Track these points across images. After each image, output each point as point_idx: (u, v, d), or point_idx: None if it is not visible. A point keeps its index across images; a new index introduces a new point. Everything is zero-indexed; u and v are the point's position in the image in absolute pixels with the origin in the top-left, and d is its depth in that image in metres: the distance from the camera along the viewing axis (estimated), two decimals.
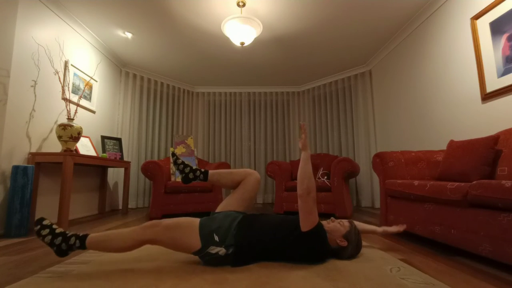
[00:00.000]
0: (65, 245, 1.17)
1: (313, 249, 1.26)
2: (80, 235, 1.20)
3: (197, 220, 1.30)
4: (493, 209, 1.23)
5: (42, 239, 1.17)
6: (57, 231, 1.19)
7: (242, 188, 1.52)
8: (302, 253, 1.27)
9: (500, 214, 1.19)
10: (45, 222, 1.19)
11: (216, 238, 1.23)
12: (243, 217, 1.36)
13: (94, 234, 1.21)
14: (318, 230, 1.26)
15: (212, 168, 3.38)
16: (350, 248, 1.34)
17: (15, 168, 2.02)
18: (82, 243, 1.18)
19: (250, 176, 1.54)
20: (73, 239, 1.18)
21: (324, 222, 1.42)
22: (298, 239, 1.25)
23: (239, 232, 1.27)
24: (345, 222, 1.41)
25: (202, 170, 1.56)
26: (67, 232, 1.20)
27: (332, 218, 1.45)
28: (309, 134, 4.82)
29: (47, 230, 1.17)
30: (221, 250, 1.22)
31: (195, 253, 1.24)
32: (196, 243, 1.22)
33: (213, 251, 1.21)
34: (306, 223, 1.25)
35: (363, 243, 1.72)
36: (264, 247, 1.28)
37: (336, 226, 1.37)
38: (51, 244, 1.16)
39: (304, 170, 1.30)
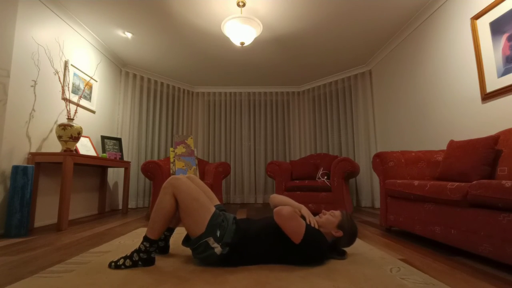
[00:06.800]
0: (143, 254, 1.26)
1: (310, 257, 1.26)
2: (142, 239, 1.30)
3: (213, 207, 1.31)
4: (493, 209, 1.23)
5: (125, 268, 1.24)
6: (128, 254, 1.29)
7: None
8: (301, 260, 1.27)
9: (500, 214, 1.19)
10: (119, 263, 1.25)
11: (218, 233, 1.24)
12: (240, 220, 1.37)
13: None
14: (310, 238, 1.23)
15: (212, 168, 3.38)
16: (346, 237, 1.35)
17: (15, 168, 2.02)
18: (147, 239, 1.27)
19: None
20: (141, 246, 1.27)
21: (316, 218, 1.41)
22: (295, 250, 1.25)
23: (237, 234, 1.27)
24: (336, 212, 1.41)
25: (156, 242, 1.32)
26: (135, 249, 1.32)
27: (323, 211, 1.44)
28: (309, 134, 4.82)
29: (121, 260, 1.25)
30: (217, 248, 1.21)
31: (194, 241, 1.24)
32: (202, 227, 1.23)
33: (212, 245, 1.21)
34: (295, 237, 1.22)
35: (364, 242, 1.72)
36: (260, 253, 1.27)
37: (328, 219, 1.38)
38: (134, 264, 1.25)
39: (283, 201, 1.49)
